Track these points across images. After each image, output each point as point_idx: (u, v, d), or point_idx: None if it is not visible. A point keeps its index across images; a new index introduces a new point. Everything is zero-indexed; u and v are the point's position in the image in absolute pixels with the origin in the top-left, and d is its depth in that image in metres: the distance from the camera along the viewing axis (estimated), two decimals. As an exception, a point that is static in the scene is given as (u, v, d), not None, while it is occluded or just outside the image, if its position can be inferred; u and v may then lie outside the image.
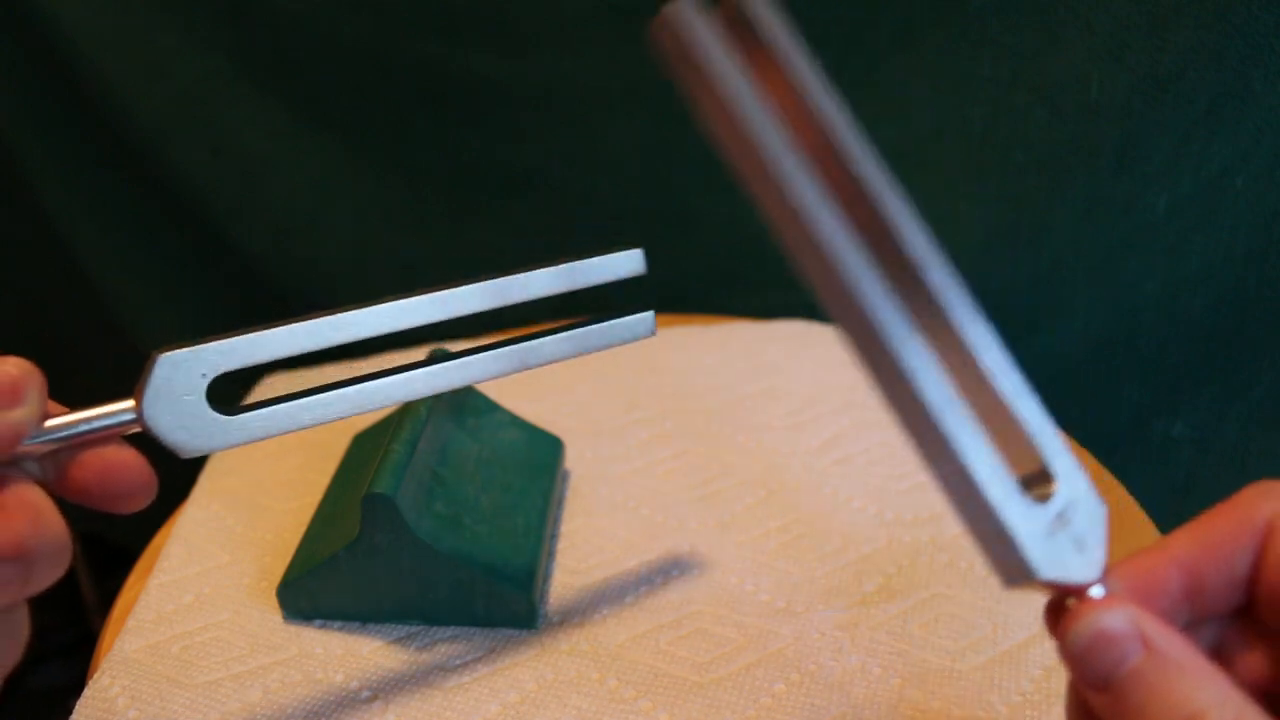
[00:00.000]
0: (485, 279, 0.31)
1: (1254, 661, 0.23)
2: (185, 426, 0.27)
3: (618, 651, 0.40)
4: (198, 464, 0.53)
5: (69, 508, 0.26)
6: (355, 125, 0.67)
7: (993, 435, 0.23)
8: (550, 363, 0.33)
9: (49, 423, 0.26)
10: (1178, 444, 0.69)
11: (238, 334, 0.28)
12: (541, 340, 0.33)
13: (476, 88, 0.65)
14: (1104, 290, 0.66)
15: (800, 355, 0.62)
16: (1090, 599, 0.22)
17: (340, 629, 0.42)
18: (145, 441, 0.27)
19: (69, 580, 0.25)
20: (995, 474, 0.22)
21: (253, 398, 0.28)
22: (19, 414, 0.25)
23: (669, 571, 0.44)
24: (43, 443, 0.26)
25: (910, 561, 0.44)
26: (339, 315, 0.29)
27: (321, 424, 0.29)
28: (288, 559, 0.43)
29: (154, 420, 0.27)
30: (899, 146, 0.66)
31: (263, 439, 0.29)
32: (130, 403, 0.27)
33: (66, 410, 0.27)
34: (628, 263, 0.33)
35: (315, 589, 0.41)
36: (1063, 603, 0.22)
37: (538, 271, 0.32)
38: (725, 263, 0.69)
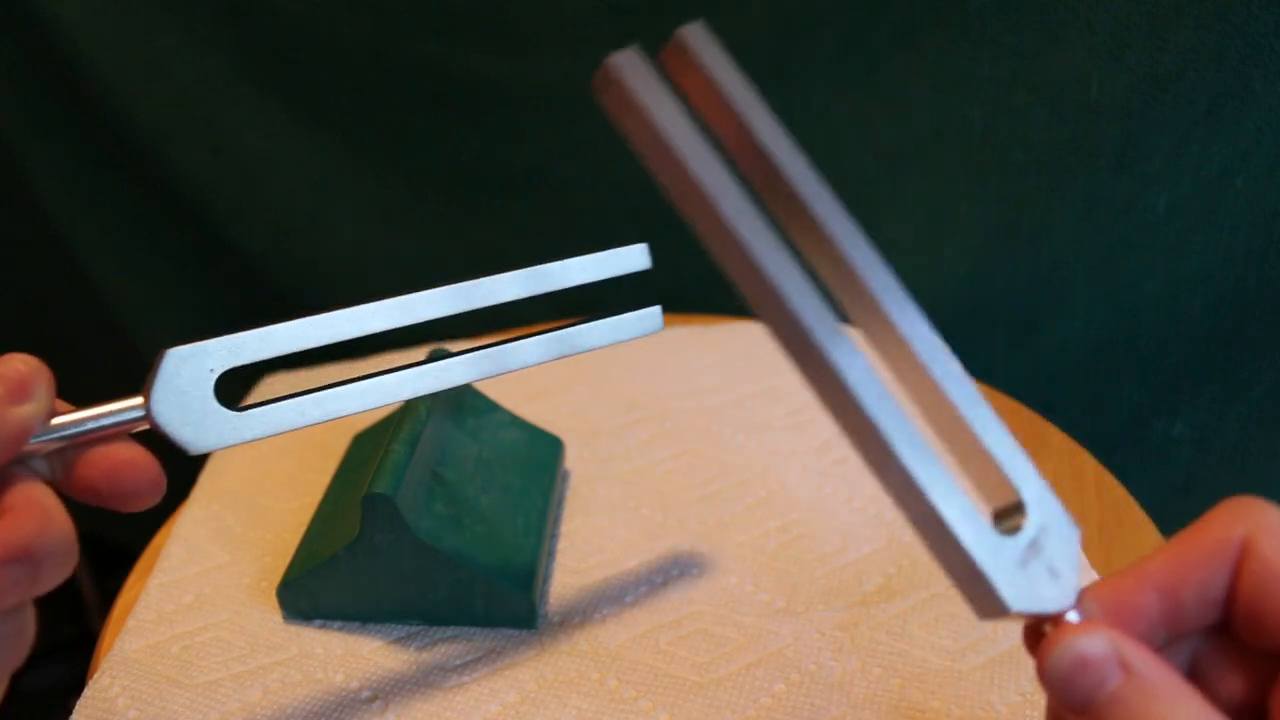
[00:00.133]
0: (518, 270, 0.32)
1: (1231, 678, 0.23)
2: (193, 423, 0.27)
3: (618, 651, 0.40)
4: (198, 464, 0.53)
5: (70, 507, 0.26)
6: (355, 125, 0.67)
7: (962, 465, 0.24)
8: (561, 359, 0.33)
9: (56, 420, 0.26)
10: (1178, 444, 0.69)
11: (245, 330, 0.28)
12: (549, 336, 0.33)
13: (476, 88, 0.65)
14: (1104, 290, 0.66)
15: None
16: (1067, 624, 0.22)
17: (340, 629, 0.42)
18: (148, 440, 0.27)
19: (69, 580, 0.25)
20: (963, 512, 0.22)
21: (252, 398, 0.27)
22: (27, 410, 0.25)
23: (669, 571, 0.44)
24: (50, 440, 0.26)
25: (910, 561, 0.44)
26: (352, 309, 0.29)
27: (333, 419, 0.29)
28: (288, 559, 0.43)
29: (162, 416, 0.27)
30: (899, 146, 0.66)
31: (272, 434, 0.28)
32: (138, 399, 0.27)
33: (74, 408, 0.27)
34: (635, 257, 0.34)
35: (315, 589, 0.41)
36: (1040, 627, 0.23)
37: (568, 262, 0.33)
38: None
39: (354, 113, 0.67)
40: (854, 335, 0.22)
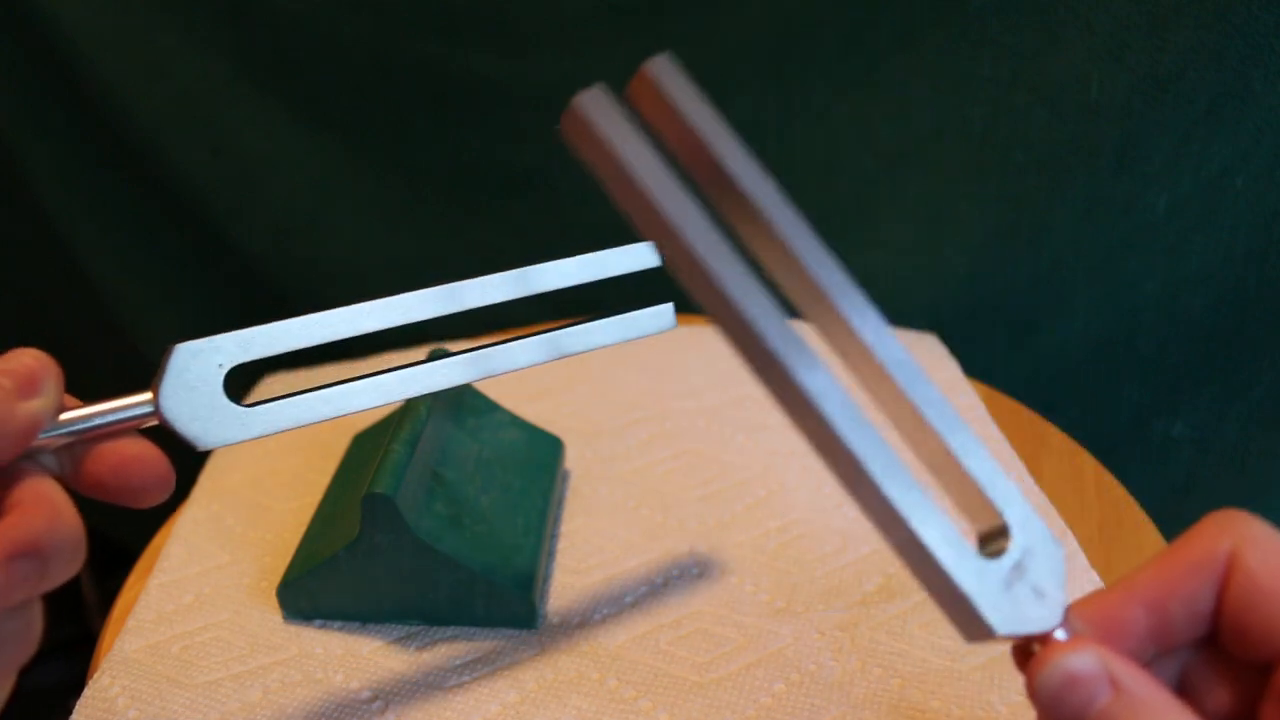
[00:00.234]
0: (511, 270, 0.32)
1: (1219, 691, 0.23)
2: (201, 418, 0.27)
3: (618, 651, 0.40)
4: (198, 464, 0.53)
5: (75, 502, 0.26)
6: (355, 125, 0.67)
7: (945, 490, 0.24)
8: (574, 355, 0.33)
9: (65, 415, 0.26)
10: (1178, 444, 0.69)
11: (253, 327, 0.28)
12: (562, 332, 0.33)
13: (476, 88, 0.65)
14: (1104, 290, 0.66)
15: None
16: (1056, 642, 0.22)
17: (340, 629, 0.42)
18: (154, 436, 0.27)
19: (69, 580, 0.25)
20: (946, 537, 0.22)
21: (252, 398, 0.27)
22: (36, 405, 0.25)
23: (669, 571, 0.44)
24: (59, 435, 0.26)
25: (910, 561, 0.44)
26: (360, 305, 0.29)
27: (343, 415, 0.29)
28: (288, 559, 0.43)
29: (171, 412, 0.27)
30: (899, 146, 0.66)
31: (280, 430, 0.28)
32: (147, 395, 0.27)
33: (82, 404, 0.27)
34: (643, 254, 0.34)
35: (315, 589, 0.41)
36: (1029, 645, 0.23)
37: (565, 261, 0.33)
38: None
39: (354, 113, 0.67)
40: (830, 362, 0.22)
